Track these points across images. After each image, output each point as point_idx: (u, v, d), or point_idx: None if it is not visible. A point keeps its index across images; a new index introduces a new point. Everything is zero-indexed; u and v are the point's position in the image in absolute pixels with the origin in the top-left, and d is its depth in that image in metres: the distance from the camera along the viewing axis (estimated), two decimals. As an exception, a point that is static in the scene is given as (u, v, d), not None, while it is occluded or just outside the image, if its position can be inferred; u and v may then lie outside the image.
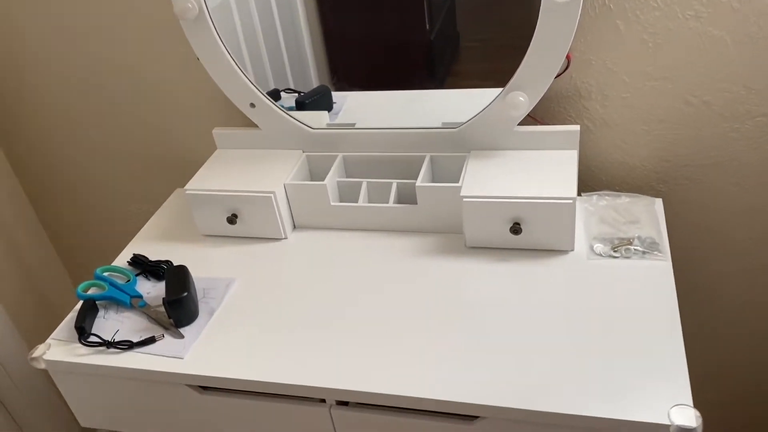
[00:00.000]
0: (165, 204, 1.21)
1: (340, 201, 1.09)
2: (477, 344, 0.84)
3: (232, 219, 1.06)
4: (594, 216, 1.01)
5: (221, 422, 0.93)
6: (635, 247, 0.95)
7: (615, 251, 0.95)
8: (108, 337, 0.92)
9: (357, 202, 1.05)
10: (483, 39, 1.01)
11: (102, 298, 0.98)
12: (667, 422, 0.71)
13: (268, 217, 1.05)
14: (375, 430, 0.85)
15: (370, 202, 1.07)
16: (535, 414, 0.75)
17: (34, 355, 0.92)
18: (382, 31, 1.04)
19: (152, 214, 1.22)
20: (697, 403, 0.75)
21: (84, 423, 1.01)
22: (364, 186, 1.06)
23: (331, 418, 0.86)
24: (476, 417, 0.79)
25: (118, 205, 1.44)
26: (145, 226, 1.16)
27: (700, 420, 0.71)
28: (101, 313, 0.98)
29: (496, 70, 0.98)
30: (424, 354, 0.83)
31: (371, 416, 0.84)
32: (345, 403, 0.85)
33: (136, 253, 1.08)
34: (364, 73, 1.11)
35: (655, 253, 0.94)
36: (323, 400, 0.86)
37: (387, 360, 0.83)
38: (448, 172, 1.06)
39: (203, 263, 1.05)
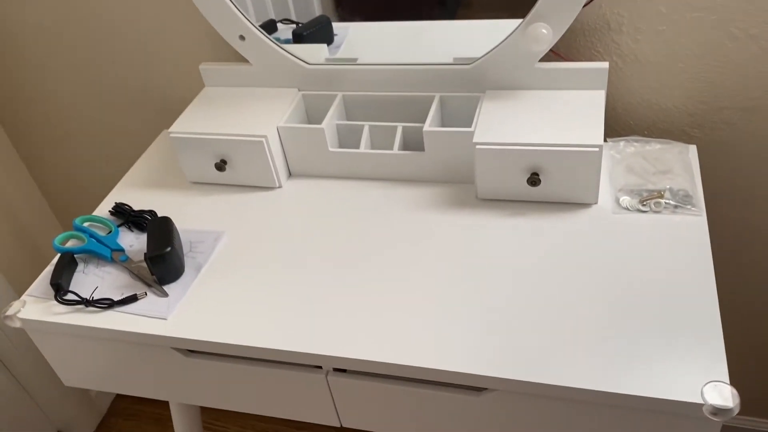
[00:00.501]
0: (151, 147, 1.12)
1: (340, 146, 0.99)
2: (488, 308, 0.76)
3: (220, 165, 0.97)
4: (620, 165, 0.91)
5: (209, 386, 0.86)
6: (666, 200, 0.85)
7: (643, 205, 0.85)
8: (86, 295, 0.85)
9: (358, 147, 0.95)
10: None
11: (81, 251, 0.91)
12: (699, 401, 0.64)
13: (260, 164, 0.95)
14: (375, 399, 0.79)
15: (372, 148, 0.97)
16: (549, 387, 0.68)
17: (8, 313, 0.85)
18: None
19: (138, 157, 1.13)
20: (734, 379, 0.67)
21: (67, 383, 0.95)
22: (365, 130, 0.96)
23: (328, 385, 0.79)
24: (484, 389, 0.72)
25: (105, 147, 1.35)
26: (130, 171, 1.07)
27: (737, 399, 0.64)
28: (80, 267, 0.90)
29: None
30: (430, 318, 0.76)
31: (371, 384, 0.77)
32: (343, 370, 0.78)
33: (118, 201, 0.99)
34: (369, 0, 0.99)
35: (688, 207, 0.84)
36: (319, 367, 0.79)
37: (389, 325, 0.75)
38: (460, 115, 0.96)
39: (190, 214, 0.96)
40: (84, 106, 1.29)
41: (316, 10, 0.99)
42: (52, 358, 0.91)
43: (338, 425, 0.84)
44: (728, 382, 0.65)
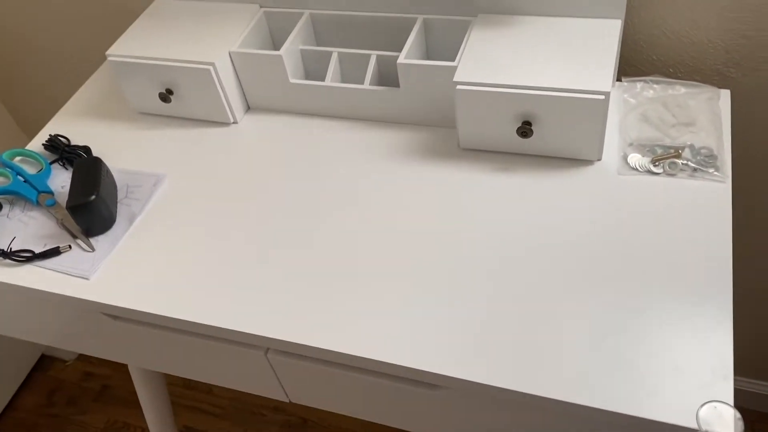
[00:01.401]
0: (99, 71, 0.98)
1: (306, 76, 0.85)
2: (458, 284, 0.63)
3: (165, 96, 0.83)
4: (634, 111, 0.76)
5: (145, 351, 0.77)
6: (684, 161, 0.70)
7: (656, 165, 0.71)
8: (5, 244, 0.75)
9: (324, 79, 0.81)
10: None
11: (4, 191, 0.80)
12: (692, 425, 0.52)
13: (210, 96, 0.82)
14: (322, 381, 0.69)
15: (342, 80, 0.83)
16: (516, 394, 0.56)
17: None
18: None
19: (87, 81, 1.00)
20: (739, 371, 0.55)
21: (2, 331, 0.87)
22: (334, 58, 0.81)
23: (270, 363, 0.69)
24: (437, 386, 0.62)
25: (56, 68, 1.21)
26: (72, 98, 0.94)
27: (741, 425, 0.52)
28: (5, 210, 0.80)
29: None
30: (389, 294, 0.64)
31: (316, 367, 0.66)
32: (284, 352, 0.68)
33: (54, 133, 0.87)
34: None
35: (711, 170, 0.69)
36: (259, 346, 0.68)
37: (340, 302, 0.64)
38: (447, 44, 0.80)
39: (132, 150, 0.84)
40: (34, 23, 1.14)
41: None
42: (-19, 307, 0.83)
43: (286, 401, 0.75)
44: (732, 401, 0.53)
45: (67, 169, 0.84)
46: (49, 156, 0.85)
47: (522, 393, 0.56)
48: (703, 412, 0.52)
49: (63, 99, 1.27)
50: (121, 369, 1.57)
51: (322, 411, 1.41)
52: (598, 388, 0.55)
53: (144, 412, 1.08)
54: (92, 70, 1.19)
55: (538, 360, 0.57)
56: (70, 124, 0.89)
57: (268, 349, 0.68)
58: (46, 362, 1.61)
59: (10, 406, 1.53)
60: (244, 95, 0.85)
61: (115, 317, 0.73)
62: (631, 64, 0.84)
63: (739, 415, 0.52)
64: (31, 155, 0.85)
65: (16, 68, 1.27)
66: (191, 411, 1.46)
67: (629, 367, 0.56)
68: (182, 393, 1.50)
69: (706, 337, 0.57)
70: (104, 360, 1.59)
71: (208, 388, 1.50)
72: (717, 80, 0.82)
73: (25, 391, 1.56)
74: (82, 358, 1.61)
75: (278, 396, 0.75)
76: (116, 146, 0.85)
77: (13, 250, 0.74)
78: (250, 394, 1.46)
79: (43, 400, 1.54)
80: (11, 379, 1.53)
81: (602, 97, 0.66)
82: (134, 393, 1.51)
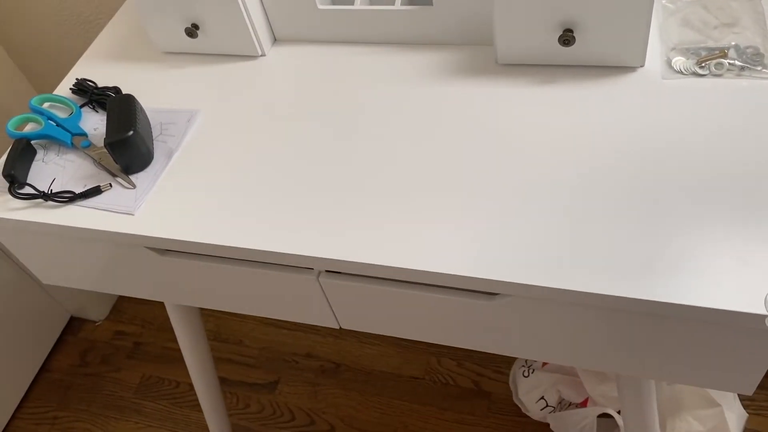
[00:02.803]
0: (119, 12, 0.96)
1: (332, 2, 0.83)
2: (506, 198, 0.63)
3: (191, 31, 0.81)
4: (675, 16, 0.74)
5: (193, 286, 0.77)
6: (730, 61, 0.69)
7: (701, 67, 0.69)
8: (45, 187, 0.74)
9: (353, 3, 0.79)
10: None
11: (37, 136, 0.79)
12: (762, 311, 0.52)
13: (237, 27, 0.80)
14: (374, 302, 0.69)
15: (371, 3, 0.81)
16: (574, 294, 0.56)
17: (-40, 209, 0.75)
18: None
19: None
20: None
21: (45, 281, 0.87)
22: (362, -19, 0.79)
23: (321, 287, 0.69)
24: (496, 294, 0.61)
25: (74, 14, 1.19)
26: (95, 41, 0.92)
27: (810, 308, 0.52)
28: (40, 155, 0.79)
29: None
30: (436, 212, 0.63)
31: (369, 287, 0.66)
32: (337, 271, 0.67)
33: (80, 77, 0.86)
34: None
35: (759, 68, 0.68)
36: (311, 268, 0.68)
37: (388, 220, 0.64)
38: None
39: (162, 90, 0.83)
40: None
41: None
42: (23, 255, 0.83)
43: (337, 327, 0.76)
44: (800, 286, 0.53)
45: (97, 111, 0.83)
46: (78, 100, 0.84)
47: (572, 291, 0.56)
48: (772, 297, 0.52)
49: (69, 54, 1.26)
50: (152, 325, 1.58)
51: (355, 355, 1.43)
52: (662, 286, 0.55)
53: (183, 353, 1.09)
54: (90, 26, 1.17)
55: (599, 261, 0.57)
56: (95, 68, 0.88)
57: (320, 272, 0.68)
58: (76, 324, 1.62)
59: (44, 368, 1.55)
60: (271, 26, 0.83)
61: (161, 251, 0.73)
62: (667, -29, 0.82)
63: (807, 299, 0.52)
64: (60, 100, 0.83)
65: (24, 27, 1.25)
66: (223, 362, 1.48)
67: (696, 266, 0.56)
68: (213, 346, 1.51)
69: (762, 233, 0.56)
70: (134, 317, 1.60)
71: (238, 339, 1.52)
72: (757, -19, 0.80)
73: (58, 354, 1.58)
74: (111, 317, 1.62)
75: (329, 323, 0.75)
76: (145, 86, 0.83)
77: (53, 191, 0.73)
78: (280, 342, 1.48)
79: (76, 360, 1.56)
80: (42, 342, 1.54)
81: (647, -5, 0.64)
82: (166, 348, 1.53)
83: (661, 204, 0.60)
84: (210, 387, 1.18)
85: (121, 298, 1.66)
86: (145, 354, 1.54)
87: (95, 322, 1.62)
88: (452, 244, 0.61)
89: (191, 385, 1.44)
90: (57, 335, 1.59)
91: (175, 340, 1.51)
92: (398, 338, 1.44)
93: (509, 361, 1.35)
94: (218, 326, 1.54)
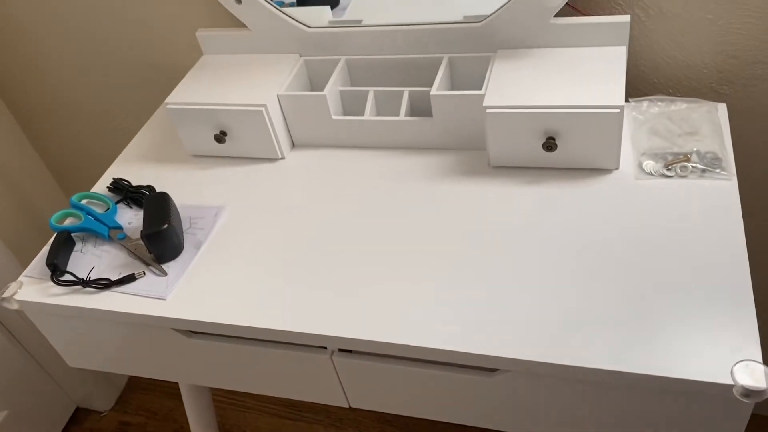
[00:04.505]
0: (151, 119, 1.08)
1: (344, 114, 0.94)
2: (501, 284, 0.71)
3: (220, 137, 0.92)
4: (644, 126, 0.85)
5: (213, 367, 0.83)
6: (693, 164, 0.79)
7: (668, 169, 0.79)
8: (84, 275, 0.82)
9: (363, 115, 0.90)
10: None
11: (77, 229, 0.87)
12: (729, 382, 0.59)
13: (261, 135, 0.91)
14: (383, 380, 0.75)
15: (378, 114, 0.92)
16: (565, 369, 0.63)
17: (5, 294, 0.83)
18: None
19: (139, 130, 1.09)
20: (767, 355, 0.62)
21: (71, 364, 0.93)
22: (370, 95, 0.90)
23: (334, 366, 0.76)
24: (496, 370, 0.68)
25: (108, 119, 1.31)
26: (129, 145, 1.03)
27: (772, 379, 0.59)
28: (78, 246, 0.87)
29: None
30: (439, 295, 0.71)
31: (378, 365, 0.73)
32: (349, 351, 0.74)
33: (116, 177, 0.96)
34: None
35: (718, 170, 0.78)
36: (324, 347, 0.75)
37: (396, 302, 0.71)
38: (471, 78, 0.90)
39: (190, 188, 0.92)
40: (85, 78, 1.25)
41: None
42: (54, 339, 0.89)
43: (347, 406, 0.81)
44: (761, 360, 0.60)
45: (131, 207, 0.92)
46: (114, 197, 0.93)
47: (563, 366, 0.63)
48: (737, 369, 0.59)
49: (97, 155, 1.37)
50: (156, 416, 1.61)
51: None
52: (635, 360, 0.62)
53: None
54: (117, 127, 1.29)
55: (579, 339, 0.64)
56: (129, 169, 0.98)
57: (333, 351, 0.74)
58: (81, 414, 1.64)
59: (48, 460, 1.56)
60: (290, 134, 0.94)
61: (188, 333, 0.80)
62: (636, 87, 0.94)
63: (768, 371, 0.59)
64: (97, 197, 0.93)
65: (63, 128, 1.37)
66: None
67: (664, 342, 0.63)
68: None
69: (731, 312, 0.64)
70: (139, 408, 1.63)
71: (242, 431, 1.54)
72: (713, 96, 0.92)
73: (63, 445, 1.59)
74: (117, 408, 1.64)
75: (339, 402, 0.81)
76: (175, 185, 0.93)
77: (92, 279, 0.81)
78: (285, 432, 1.50)
79: (81, 451, 1.57)
80: (48, 432, 1.56)
81: (617, 110, 0.75)
82: (172, 438, 1.55)
83: (641, 291, 0.68)
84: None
85: (126, 388, 1.69)
86: (149, 445, 1.56)
87: (100, 412, 1.64)
88: (457, 324, 0.68)
89: (195, 476, 1.45)
90: (62, 426, 1.60)
91: (179, 430, 1.54)
92: None
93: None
94: (222, 417, 1.57)
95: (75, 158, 1.42)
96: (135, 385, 1.70)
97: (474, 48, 0.88)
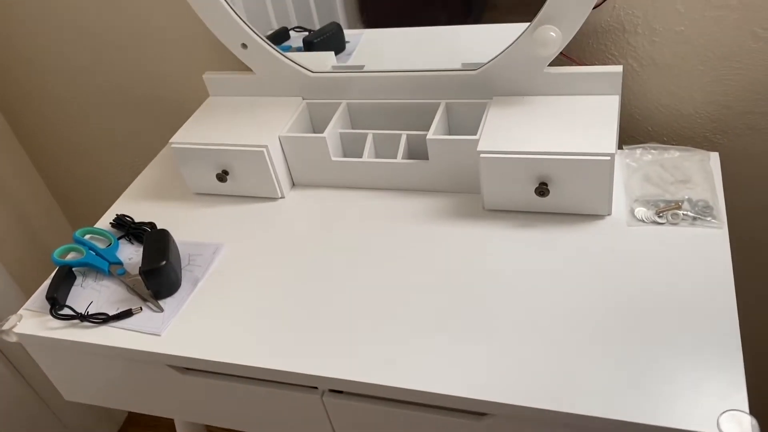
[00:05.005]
0: (157, 158, 1.11)
1: (344, 155, 0.96)
2: (492, 327, 0.72)
3: (222, 176, 0.94)
4: (637, 173, 0.86)
5: (207, 404, 0.84)
6: (684, 212, 0.80)
7: (660, 216, 0.80)
8: (82, 309, 0.84)
9: (362, 156, 0.92)
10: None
11: (78, 264, 0.89)
12: (715, 431, 0.59)
13: (262, 174, 0.93)
14: (372, 421, 0.75)
15: (377, 156, 0.94)
16: (553, 414, 0.63)
17: (4, 327, 0.84)
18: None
19: (146, 166, 1.12)
20: (755, 404, 0.62)
21: (67, 397, 0.94)
22: (369, 138, 0.93)
23: (324, 406, 0.76)
24: (485, 414, 0.68)
25: (116, 155, 1.35)
26: (134, 182, 1.06)
27: (757, 430, 0.58)
28: (79, 280, 0.89)
29: (534, 1, 0.82)
30: (431, 338, 0.72)
31: (367, 406, 0.73)
32: (340, 391, 0.75)
33: (120, 213, 0.98)
34: (384, 8, 0.96)
35: (709, 218, 0.79)
36: (315, 387, 0.75)
37: (389, 344, 0.72)
38: (467, 122, 0.92)
39: (191, 225, 0.94)
40: (95, 114, 1.29)
41: (340, 17, 0.96)
42: (51, 372, 0.90)
43: (337, 446, 0.81)
44: (748, 410, 0.60)
45: (132, 243, 0.94)
46: (116, 232, 0.95)
47: (551, 411, 0.63)
48: (723, 418, 0.59)
49: (104, 189, 1.40)
50: (154, 453, 1.60)
51: None
52: (623, 407, 0.62)
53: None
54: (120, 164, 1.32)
55: (565, 385, 0.65)
56: (133, 205, 1.00)
57: (324, 391, 0.75)
58: (79, 449, 1.63)
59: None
60: (290, 173, 0.96)
61: (182, 370, 0.80)
62: (630, 135, 0.96)
63: (755, 422, 0.59)
64: (100, 232, 0.95)
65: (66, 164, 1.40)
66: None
67: (652, 389, 0.63)
68: None
69: (719, 361, 0.64)
70: (137, 444, 1.62)
71: None
72: (707, 145, 0.93)
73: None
74: (114, 443, 1.64)
75: (330, 442, 0.81)
76: (176, 222, 0.95)
77: (89, 313, 0.82)
78: None
79: (76, 487, 1.56)
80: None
81: (608, 158, 0.76)
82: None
83: (630, 337, 0.68)
84: None
85: (126, 423, 1.68)
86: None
87: (97, 448, 1.63)
88: (448, 367, 0.68)
89: None
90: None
91: (176, 467, 1.52)
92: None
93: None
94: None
95: (82, 191, 1.45)
96: (135, 420, 1.70)
97: (470, 94, 0.91)
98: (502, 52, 0.86)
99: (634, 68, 0.90)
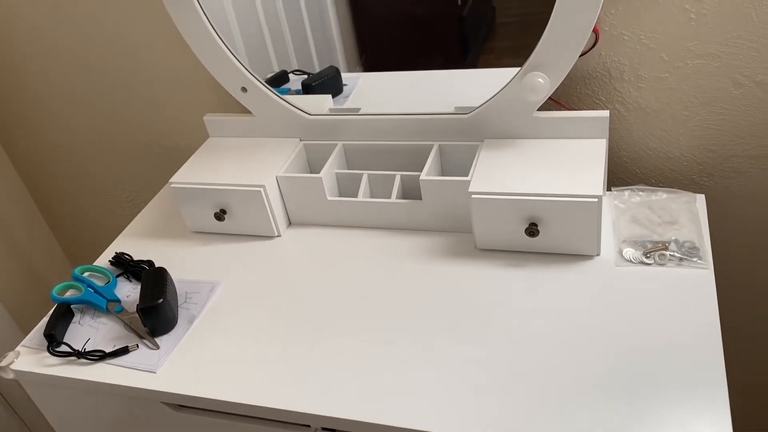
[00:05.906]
0: (156, 197, 1.13)
1: (340, 195, 0.99)
2: (484, 365, 0.73)
3: (220, 215, 0.96)
4: (625, 215, 0.88)
5: (200, 442, 0.84)
6: (671, 253, 0.82)
7: (647, 257, 0.82)
8: (79, 346, 0.85)
9: (357, 196, 0.94)
10: (521, 14, 0.87)
11: (77, 301, 0.90)
12: (703, 471, 0.59)
13: (259, 213, 0.95)
14: (365, 460, 0.76)
15: (372, 196, 0.96)
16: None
17: (2, 364, 0.85)
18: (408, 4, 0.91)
19: (146, 204, 1.14)
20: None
21: (61, 435, 0.94)
22: (364, 178, 0.95)
23: (317, 444, 0.76)
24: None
25: (116, 196, 1.37)
26: (134, 221, 1.08)
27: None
28: (77, 317, 0.90)
29: (527, 47, 0.84)
30: (423, 376, 0.73)
31: (360, 445, 0.74)
32: (332, 429, 0.75)
33: (119, 251, 0.99)
34: (382, 52, 0.99)
35: (695, 259, 0.81)
36: (308, 425, 0.76)
37: (381, 382, 0.73)
38: (459, 164, 0.95)
39: (189, 264, 0.96)
40: (97, 153, 1.31)
41: (339, 60, 0.99)
42: (47, 410, 0.91)
43: (330, 486, 0.81)
44: (734, 450, 0.61)
45: (131, 281, 0.95)
46: (115, 270, 0.97)
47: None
48: (708, 458, 0.60)
49: (104, 226, 1.42)
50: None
51: None
52: (615, 444, 0.63)
53: None
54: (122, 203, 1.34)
55: (555, 423, 0.65)
56: (132, 243, 1.02)
57: (317, 429, 0.75)
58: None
59: None
60: (287, 212, 0.98)
61: (176, 407, 0.81)
62: (619, 177, 0.98)
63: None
64: (99, 270, 0.96)
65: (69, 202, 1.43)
66: None
67: (637, 428, 0.64)
68: None
69: (705, 402, 0.65)
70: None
71: None
72: (694, 187, 0.95)
73: None
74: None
75: (322, 481, 0.81)
76: (174, 260, 0.97)
77: (86, 350, 0.83)
78: None
79: None
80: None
81: (596, 199, 0.79)
82: None
83: (617, 376, 0.69)
84: None
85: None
86: None
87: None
88: (440, 405, 0.69)
89: None
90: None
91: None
92: None
93: None
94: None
95: (83, 229, 1.47)
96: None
97: (462, 137, 0.93)
98: (493, 97, 0.89)
99: (621, 113, 0.93)
